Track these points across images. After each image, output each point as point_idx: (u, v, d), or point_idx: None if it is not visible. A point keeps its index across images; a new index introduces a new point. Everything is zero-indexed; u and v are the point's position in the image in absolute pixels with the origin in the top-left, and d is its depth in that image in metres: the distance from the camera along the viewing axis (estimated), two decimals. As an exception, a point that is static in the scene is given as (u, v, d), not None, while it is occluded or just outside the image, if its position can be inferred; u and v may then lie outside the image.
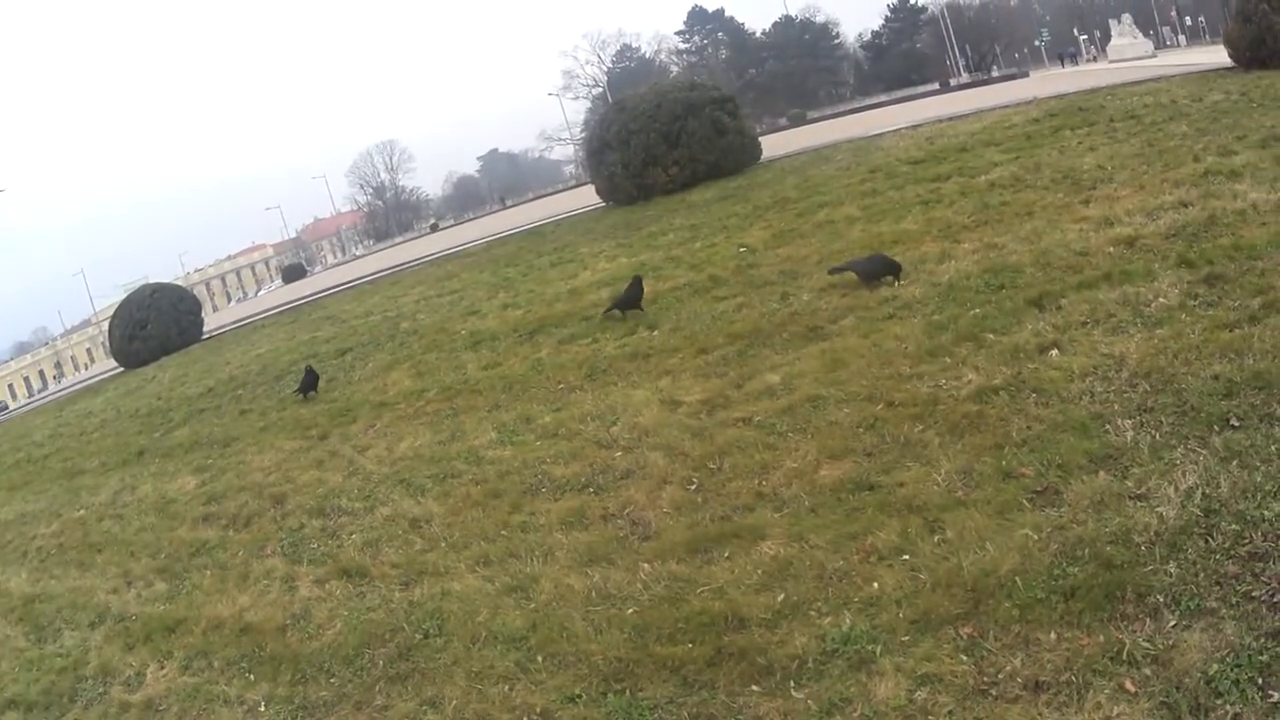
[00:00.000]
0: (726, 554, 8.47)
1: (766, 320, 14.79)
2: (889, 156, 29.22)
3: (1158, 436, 8.33)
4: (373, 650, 8.89)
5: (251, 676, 9.30)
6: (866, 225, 19.78)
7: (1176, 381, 9.22)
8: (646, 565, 8.69)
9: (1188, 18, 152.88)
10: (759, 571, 8.03)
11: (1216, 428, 8.23)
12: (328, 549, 11.61)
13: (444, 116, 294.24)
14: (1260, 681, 5.55)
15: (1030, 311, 12.03)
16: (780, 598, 7.59)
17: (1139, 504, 7.37)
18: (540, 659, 7.88)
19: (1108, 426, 8.70)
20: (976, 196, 19.47)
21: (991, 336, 11.55)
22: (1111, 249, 13.69)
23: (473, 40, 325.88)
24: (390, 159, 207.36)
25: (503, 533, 10.35)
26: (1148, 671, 5.84)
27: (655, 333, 16.04)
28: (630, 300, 17.43)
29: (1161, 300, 11.37)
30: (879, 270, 15.23)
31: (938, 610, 6.82)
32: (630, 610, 8.07)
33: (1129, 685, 5.80)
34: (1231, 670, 5.65)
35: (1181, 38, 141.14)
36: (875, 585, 7.37)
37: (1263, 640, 5.78)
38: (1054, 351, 10.67)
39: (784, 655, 6.92)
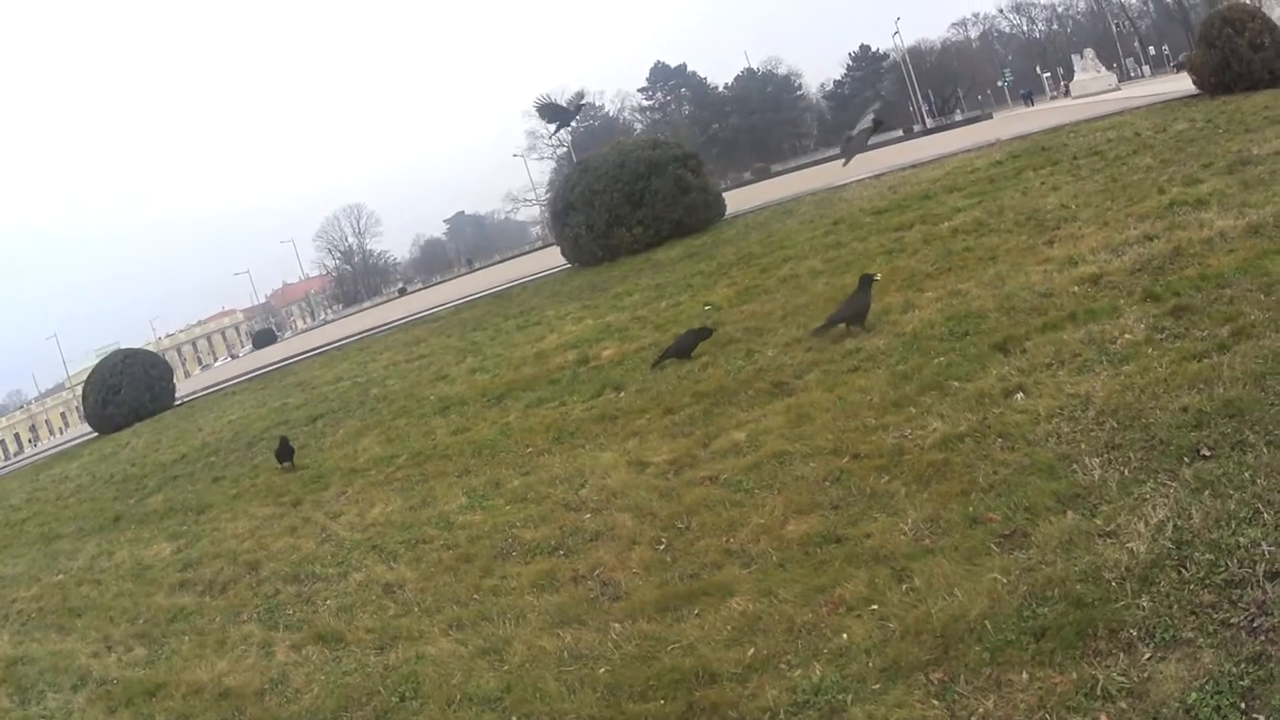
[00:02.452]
0: (696, 611, 8.61)
1: (732, 378, 14.98)
2: (852, 207, 29.56)
3: (1126, 473, 8.47)
4: (350, 714, 8.98)
5: (231, 740, 9.26)
6: (830, 278, 20.00)
7: (1144, 416, 9.37)
8: (617, 625, 8.83)
9: (1151, 47, 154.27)
10: (729, 627, 8.17)
11: (1187, 459, 8.38)
12: (303, 614, 11.72)
13: (410, 179, 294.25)
14: (1243, 706, 5.65)
15: (995, 356, 12.23)
16: (750, 652, 7.70)
17: (1108, 541, 7.51)
18: (515, 719, 7.95)
19: (1075, 466, 8.85)
20: (940, 244, 19.76)
21: (956, 384, 11.73)
22: (1076, 288, 13.90)
23: (438, 101, 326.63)
24: (358, 223, 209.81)
25: (475, 596, 10.51)
26: (1123, 705, 5.92)
27: (622, 394, 16.29)
28: (683, 349, 17.39)
29: (1127, 336, 11.57)
30: (856, 311, 15.43)
31: (907, 658, 6.93)
32: (602, 669, 8.20)
33: None
34: (1211, 698, 5.74)
35: (1146, 68, 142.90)
36: (844, 636, 7.49)
37: (1243, 665, 5.87)
38: (1019, 395, 10.86)
39: (755, 708, 7.03)
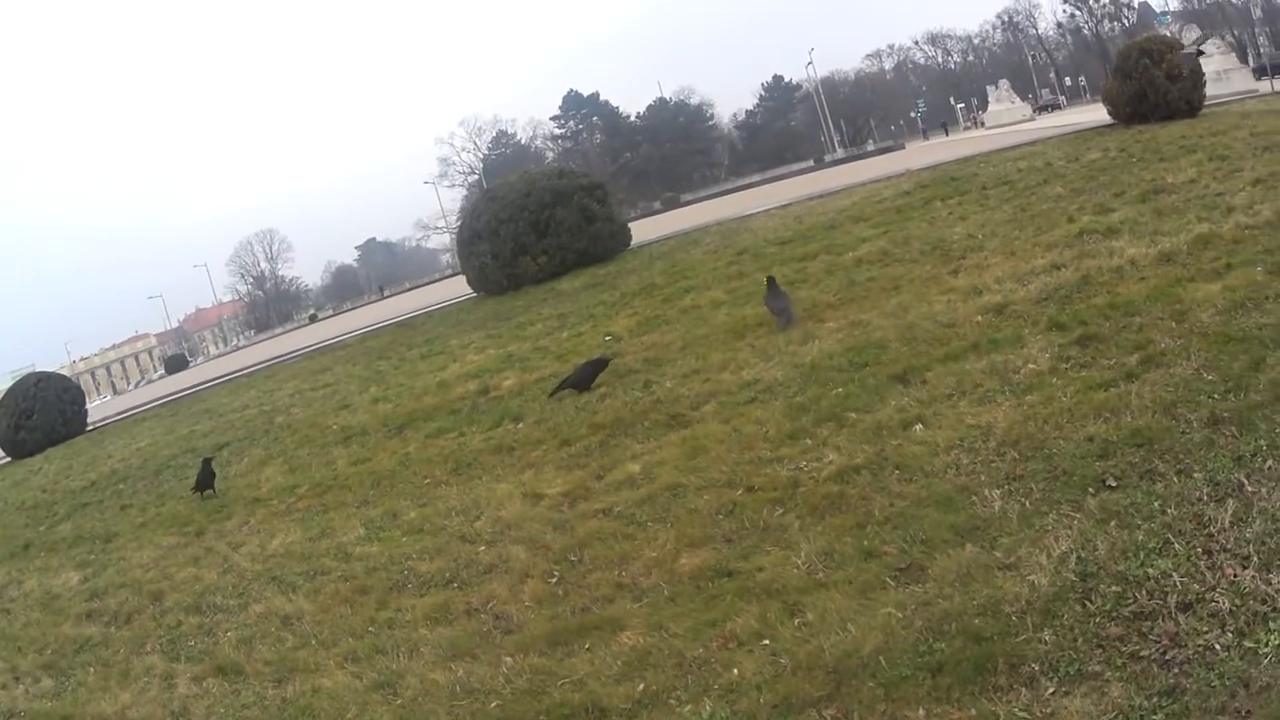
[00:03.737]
0: (587, 645, 8.48)
1: (629, 409, 14.96)
2: (757, 238, 29.94)
3: (1028, 504, 8.43)
4: (247, 749, 8.67)
5: (135, 776, 9.07)
6: (732, 309, 20.09)
7: (1047, 447, 9.37)
8: (509, 659, 8.67)
9: (1067, 78, 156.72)
10: (619, 662, 8.03)
11: (1092, 489, 8.35)
12: (204, 646, 11.45)
13: (322, 202, 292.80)
14: None
15: (894, 388, 12.24)
16: (640, 687, 7.56)
17: (1008, 574, 7.43)
18: (407, 754, 7.73)
19: (974, 498, 8.80)
20: (843, 274, 19.96)
21: (854, 415, 11.71)
22: (980, 318, 14.04)
23: (350, 125, 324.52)
24: (270, 248, 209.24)
25: (370, 629, 10.35)
26: (1027, 742, 5.78)
27: (521, 425, 16.28)
28: (582, 380, 17.32)
29: (1031, 366, 11.64)
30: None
31: (799, 694, 6.78)
32: (493, 704, 8.03)
33: (1007, 757, 5.73)
34: (1123, 732, 5.63)
35: (1062, 98, 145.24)
36: (735, 671, 7.35)
37: (1156, 699, 5.78)
38: (918, 426, 10.83)
39: None
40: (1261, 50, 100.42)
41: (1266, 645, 5.99)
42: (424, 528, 12.83)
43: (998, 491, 8.74)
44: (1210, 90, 36.91)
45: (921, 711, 6.21)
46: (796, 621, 7.72)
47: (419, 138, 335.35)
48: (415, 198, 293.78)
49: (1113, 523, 7.67)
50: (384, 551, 12.43)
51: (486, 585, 10.46)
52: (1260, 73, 78.84)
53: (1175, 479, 8.14)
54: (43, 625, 14.46)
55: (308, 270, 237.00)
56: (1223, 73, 64.27)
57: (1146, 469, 8.41)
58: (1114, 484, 8.32)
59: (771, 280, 17.95)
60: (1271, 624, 6.16)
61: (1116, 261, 14.86)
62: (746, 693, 6.99)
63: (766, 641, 7.58)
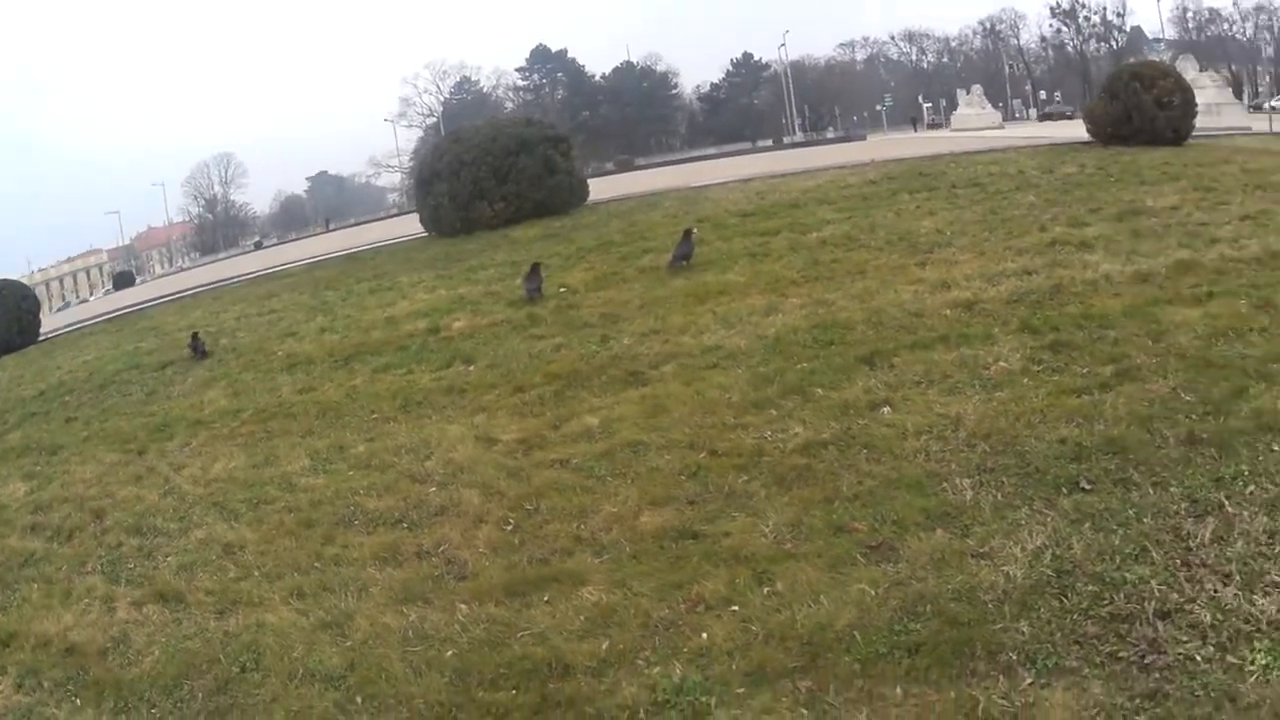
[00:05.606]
0: (546, 598, 8.49)
1: (585, 362, 14.98)
2: (718, 208, 29.65)
3: (1000, 496, 8.63)
4: (191, 682, 8.62)
5: (78, 701, 8.94)
6: (690, 274, 20.06)
7: (1019, 444, 9.56)
8: (464, 606, 8.67)
9: (1042, 92, 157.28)
10: (581, 618, 8.07)
11: (1065, 490, 8.55)
12: (144, 570, 11.29)
13: (283, 135, 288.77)
14: None
15: (861, 369, 12.38)
16: (605, 645, 7.60)
17: (982, 562, 7.60)
18: (360, 700, 7.76)
19: (945, 485, 8.98)
20: (807, 253, 19.99)
21: (820, 391, 11.83)
22: (949, 311, 14.19)
23: (320, 60, 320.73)
24: (225, 172, 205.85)
25: (316, 565, 10.24)
26: (1006, 729, 6.01)
27: (472, 367, 16.17)
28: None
29: (1002, 364, 11.83)
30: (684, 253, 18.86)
31: (773, 663, 6.89)
32: (449, 653, 8.04)
33: (988, 742, 5.95)
34: (1106, 729, 5.87)
35: (1032, 111, 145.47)
36: (705, 636, 7.43)
37: (1138, 701, 5.96)
38: (886, 409, 10.98)
39: (614, 705, 6.91)
40: (1259, 88, 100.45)
41: (1252, 663, 6.13)
42: (372, 463, 12.76)
43: (968, 481, 8.91)
44: (1201, 122, 37.05)
45: (899, 691, 6.35)
46: (766, 590, 7.83)
47: (385, 76, 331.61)
48: (372, 135, 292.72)
49: (1087, 524, 7.85)
50: (330, 485, 12.34)
51: (438, 528, 10.43)
52: (1257, 110, 79.29)
53: (1151, 490, 8.33)
54: (-10, 536, 14.39)
55: (259, 199, 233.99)
56: (1215, 105, 64.59)
57: (1121, 477, 8.59)
58: (1088, 487, 8.51)
59: (689, 231, 19.81)
60: (1257, 643, 6.30)
61: (1090, 275, 15.04)
62: (718, 658, 7.09)
63: (736, 608, 7.68)
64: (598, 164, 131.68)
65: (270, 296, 32.03)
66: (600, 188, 44.15)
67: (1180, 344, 11.75)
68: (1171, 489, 8.29)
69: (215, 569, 10.74)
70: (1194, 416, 9.67)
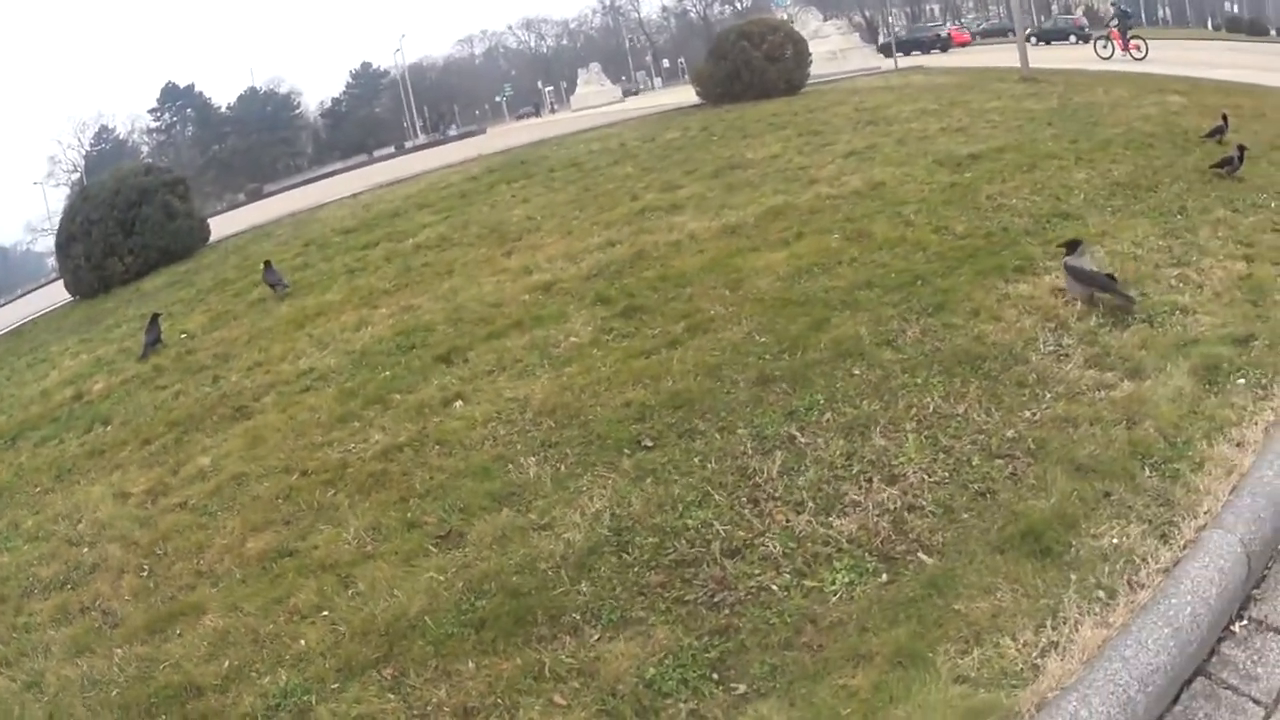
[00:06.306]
0: (179, 631, 8.65)
1: (199, 405, 15.03)
2: (325, 227, 30.07)
3: (563, 468, 9.04)
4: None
5: None
6: (293, 300, 20.30)
7: (583, 414, 10.02)
8: (119, 650, 8.77)
9: (665, 60, 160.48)
10: (205, 643, 8.27)
11: (628, 451, 9.01)
12: None
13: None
14: (716, 676, 6.09)
15: (438, 368, 12.80)
16: (226, 664, 7.85)
17: (543, 533, 8.00)
18: (58, 746, 8.07)
19: (510, 466, 9.37)
20: (401, 260, 20.47)
21: (398, 397, 12.22)
22: (527, 296, 14.76)
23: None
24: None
25: (13, 635, 10.12)
26: (576, 684, 6.30)
27: (109, 427, 15.97)
28: None
29: (573, 339, 12.36)
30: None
31: (358, 657, 7.25)
32: (114, 693, 8.16)
33: (559, 699, 6.25)
34: (674, 671, 6.17)
35: (658, 80, 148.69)
36: (302, 642, 7.74)
37: (707, 639, 6.33)
38: (458, 403, 11.40)
39: (238, 715, 7.22)
40: (894, 28, 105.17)
41: (833, 584, 6.65)
42: (39, 535, 12.61)
43: (533, 459, 9.30)
44: (827, 69, 38.68)
45: (471, 665, 6.68)
46: (350, 592, 8.16)
47: (37, 135, 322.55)
48: (29, 200, 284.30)
49: (648, 480, 8.30)
50: (12, 561, 12.13)
51: (93, 584, 10.48)
52: (885, 51, 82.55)
53: (717, 435, 8.85)
54: None
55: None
56: (841, 52, 67.43)
57: (686, 428, 9.09)
58: (650, 444, 8.98)
59: (267, 263, 20.57)
60: (837, 563, 6.82)
61: (676, 236, 15.74)
62: (314, 660, 7.41)
63: (326, 612, 8.00)
64: (231, 196, 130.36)
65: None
66: (230, 221, 44.02)
67: (760, 288, 12.50)
68: (739, 431, 8.85)
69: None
70: (767, 357, 10.36)
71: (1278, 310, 10.48)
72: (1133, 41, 50.41)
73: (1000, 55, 52.15)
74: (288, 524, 9.91)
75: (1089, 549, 6.64)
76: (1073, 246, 11.36)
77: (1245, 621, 6.26)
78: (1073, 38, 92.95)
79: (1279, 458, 7.40)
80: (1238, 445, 7.74)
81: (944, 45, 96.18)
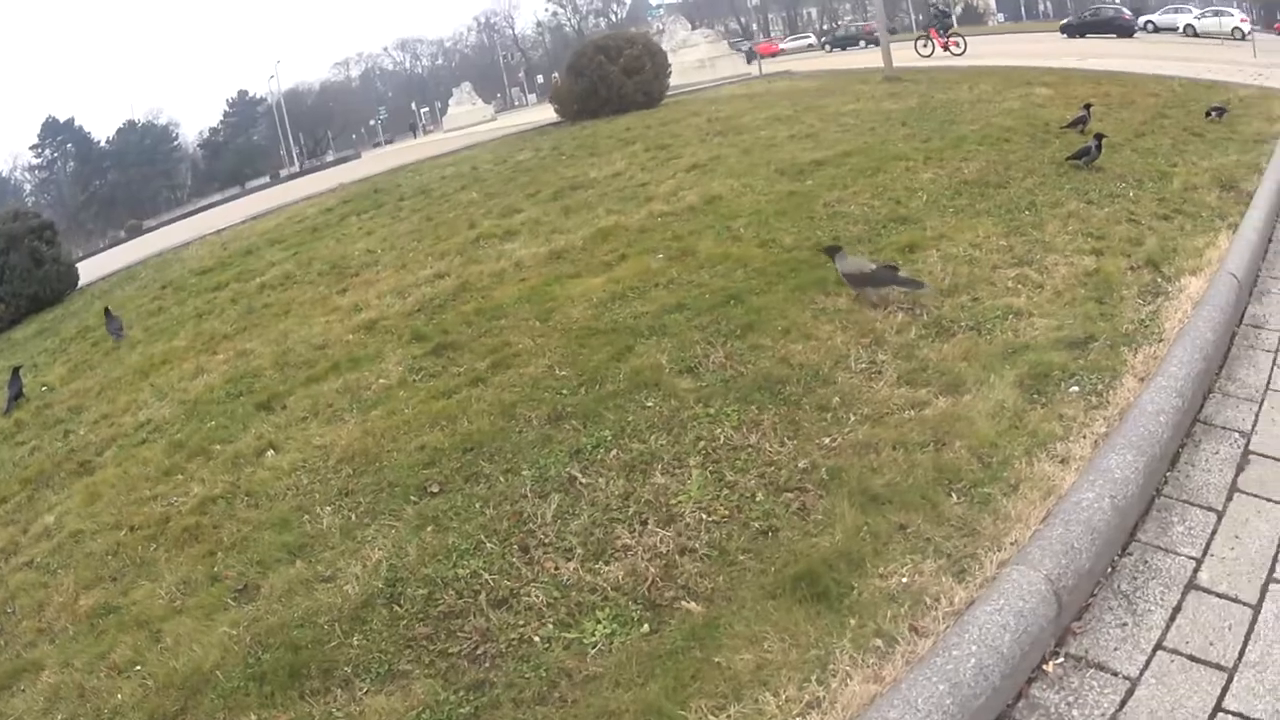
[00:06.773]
0: (22, 687, 8.77)
1: (50, 460, 14.96)
2: (184, 268, 30.00)
3: (354, 517, 9.22)
4: None
5: None
6: (146, 346, 20.21)
7: (380, 460, 10.19)
8: None
9: (540, 76, 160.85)
10: (42, 699, 8.40)
11: (414, 497, 9.19)
12: None
13: None
14: None
15: (258, 416, 12.92)
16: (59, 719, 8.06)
17: (327, 585, 8.19)
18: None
19: (307, 516, 9.53)
20: (245, 302, 20.55)
21: (219, 447, 12.32)
22: (350, 337, 14.89)
23: None
24: None
25: None
26: (349, 739, 6.68)
27: (-30, 491, 15.90)
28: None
29: (383, 381, 12.53)
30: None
31: (161, 710, 7.40)
32: None
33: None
34: (429, 727, 6.52)
35: (532, 96, 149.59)
36: (119, 696, 7.86)
37: (463, 693, 6.50)
38: (270, 453, 11.52)
39: None
40: (773, 33, 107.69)
41: (593, 634, 6.64)
42: None
43: (328, 508, 9.48)
44: (696, 78, 38.81)
45: (253, 717, 6.90)
46: (159, 647, 8.29)
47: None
48: None
49: (429, 528, 8.50)
50: None
51: None
52: (750, 57, 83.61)
53: (501, 479, 9.04)
54: None
55: None
56: (709, 60, 67.42)
57: (472, 471, 9.29)
58: (436, 490, 9.18)
59: (107, 310, 21.16)
60: (599, 613, 6.88)
61: (503, 265, 16.01)
62: (126, 714, 7.54)
63: (139, 667, 8.13)
64: (114, 232, 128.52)
65: None
66: (105, 262, 43.61)
67: (570, 318, 12.74)
68: (523, 473, 8.98)
69: None
70: (564, 392, 10.50)
71: (1124, 306, 10.58)
72: (951, 39, 54.42)
73: (867, 57, 54.00)
74: (114, 580, 10.01)
75: (872, 591, 6.44)
76: (833, 252, 11.76)
77: (1061, 659, 6.04)
78: (863, 43, 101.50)
79: (1102, 476, 7.17)
80: (1061, 462, 7.57)
81: (749, 56, 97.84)
